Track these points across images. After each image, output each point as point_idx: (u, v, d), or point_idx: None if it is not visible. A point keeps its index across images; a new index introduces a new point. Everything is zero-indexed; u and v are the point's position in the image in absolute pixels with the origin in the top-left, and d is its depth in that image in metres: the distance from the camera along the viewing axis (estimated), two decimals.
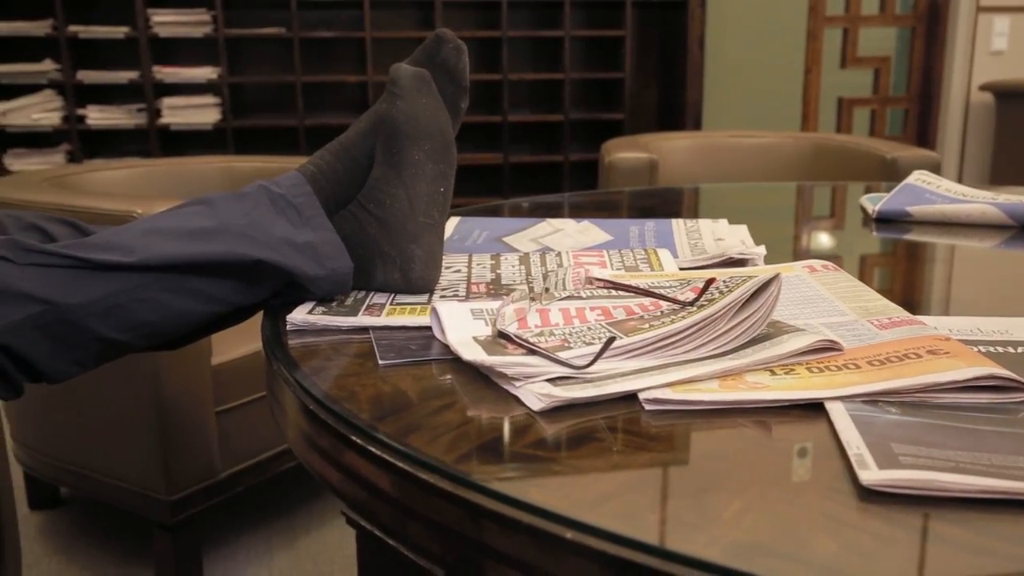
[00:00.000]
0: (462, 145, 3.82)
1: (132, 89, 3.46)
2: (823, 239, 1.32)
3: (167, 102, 3.46)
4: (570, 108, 3.75)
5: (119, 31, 3.36)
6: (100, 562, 1.66)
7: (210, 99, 3.50)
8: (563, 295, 0.85)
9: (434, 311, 0.81)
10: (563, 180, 3.80)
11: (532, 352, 0.71)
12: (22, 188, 1.62)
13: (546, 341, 0.73)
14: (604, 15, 3.86)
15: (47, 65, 3.35)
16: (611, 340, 0.68)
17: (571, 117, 3.75)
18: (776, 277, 0.72)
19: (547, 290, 0.84)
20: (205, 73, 3.47)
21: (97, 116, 3.43)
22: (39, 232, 0.96)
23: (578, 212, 1.42)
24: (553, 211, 1.44)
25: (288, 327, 0.84)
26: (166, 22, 3.40)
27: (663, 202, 1.58)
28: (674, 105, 3.97)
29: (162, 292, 0.83)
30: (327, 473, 0.66)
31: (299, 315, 0.85)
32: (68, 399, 1.51)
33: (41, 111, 3.38)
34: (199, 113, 3.49)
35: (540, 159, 3.79)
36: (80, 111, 3.41)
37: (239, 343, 1.55)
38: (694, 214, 1.30)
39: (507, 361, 0.68)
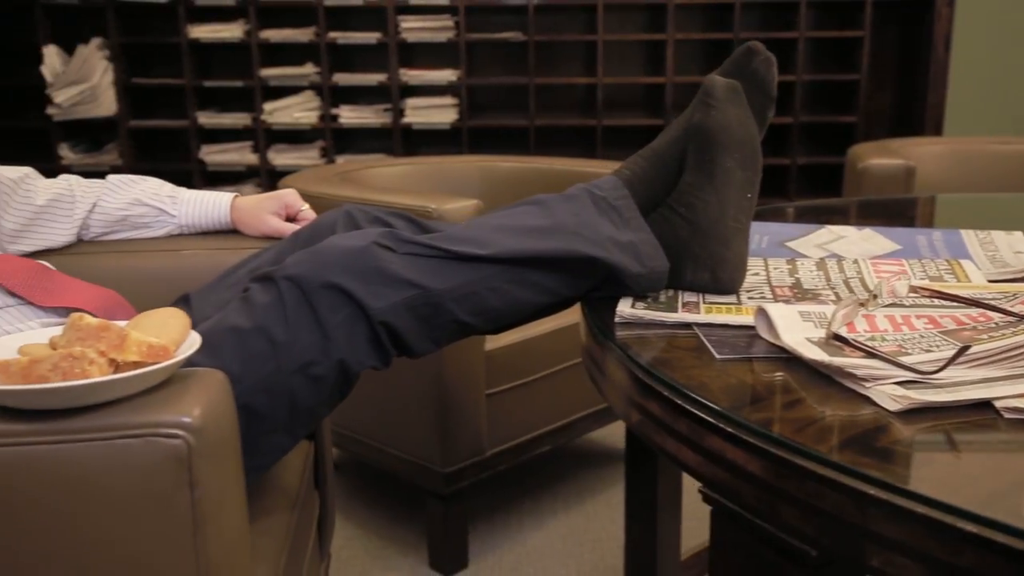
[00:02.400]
0: None
1: (379, 90, 3.72)
2: None
3: (410, 103, 3.70)
4: (799, 111, 3.68)
5: (372, 37, 3.63)
6: (373, 523, 1.83)
7: (449, 100, 3.71)
8: (887, 302, 0.87)
9: (762, 311, 0.86)
10: (789, 184, 3.73)
11: (871, 356, 0.74)
12: (321, 183, 1.81)
13: (881, 346, 0.76)
14: (841, 16, 3.75)
15: (308, 68, 3.67)
16: (964, 349, 0.70)
17: (800, 120, 3.67)
18: None
19: (874, 297, 0.86)
20: (446, 75, 3.68)
21: (349, 115, 3.72)
22: (382, 224, 1.09)
23: (845, 219, 1.42)
24: (823, 217, 1.45)
25: (617, 319, 0.92)
26: (413, 28, 3.63)
27: (925, 211, 1.55)
28: (912, 108, 3.79)
29: (508, 282, 0.93)
30: (682, 454, 0.72)
31: (627, 309, 0.93)
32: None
33: (301, 110, 3.70)
34: (438, 113, 3.71)
35: (765, 162, 3.74)
36: (334, 111, 3.71)
37: (509, 331, 1.66)
38: (960, 223, 1.27)
39: (854, 363, 0.72)
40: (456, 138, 3.77)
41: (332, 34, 3.62)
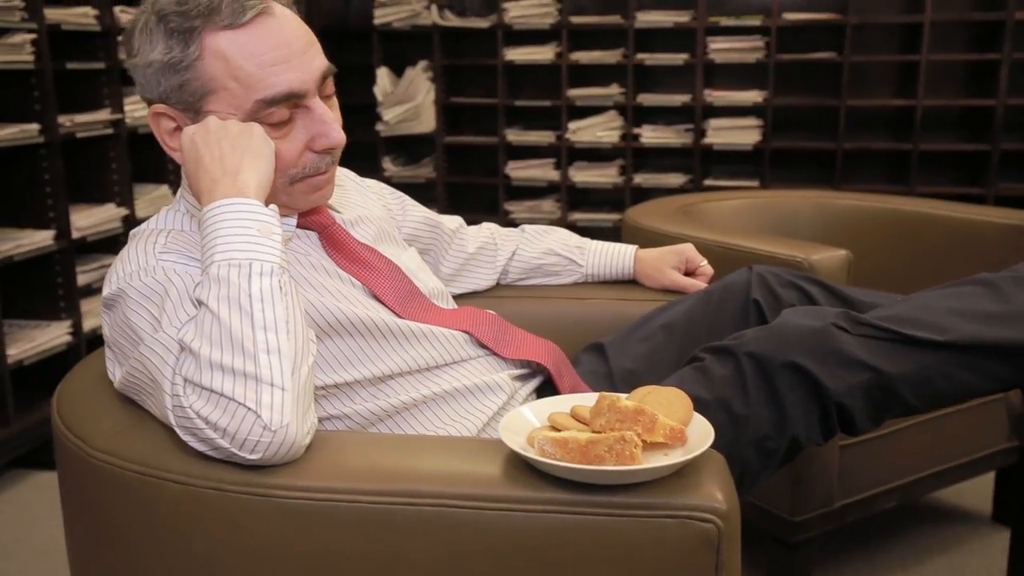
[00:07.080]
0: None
1: (681, 110, 3.74)
2: None
3: (712, 123, 3.69)
4: None
5: (679, 58, 3.66)
6: None
7: (752, 121, 3.66)
8: None
9: None
10: None
11: None
12: (667, 220, 1.86)
13: None
14: None
15: (613, 89, 3.77)
16: None
17: None
18: None
19: None
20: (751, 96, 3.63)
21: (649, 135, 3.77)
22: (796, 290, 1.11)
23: None
24: None
25: None
26: (722, 48, 3.61)
27: None
28: None
29: (961, 368, 0.91)
30: None
31: None
32: None
33: (604, 129, 3.80)
34: (741, 134, 3.67)
35: None
36: (636, 130, 3.78)
37: None
38: None
39: None
40: (757, 159, 3.72)
41: (639, 55, 3.69)
